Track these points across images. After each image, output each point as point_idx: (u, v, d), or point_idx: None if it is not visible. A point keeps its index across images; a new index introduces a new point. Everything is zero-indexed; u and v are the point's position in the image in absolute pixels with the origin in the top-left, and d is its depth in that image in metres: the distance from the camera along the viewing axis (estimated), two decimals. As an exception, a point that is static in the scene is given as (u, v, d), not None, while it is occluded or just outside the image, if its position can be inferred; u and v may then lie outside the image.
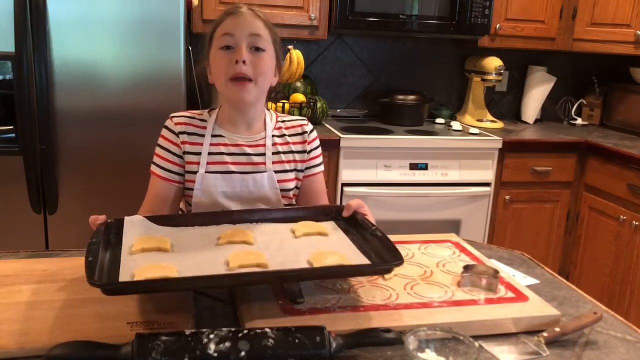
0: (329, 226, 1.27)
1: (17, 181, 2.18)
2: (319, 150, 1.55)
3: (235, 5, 1.40)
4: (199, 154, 1.43)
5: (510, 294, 1.12)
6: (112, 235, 1.16)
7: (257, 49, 1.36)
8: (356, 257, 1.10)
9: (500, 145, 2.73)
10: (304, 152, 1.51)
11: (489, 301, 1.09)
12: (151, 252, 1.10)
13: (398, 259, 1.01)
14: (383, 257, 1.07)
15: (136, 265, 1.03)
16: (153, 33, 2.19)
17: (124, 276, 0.99)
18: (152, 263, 1.04)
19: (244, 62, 1.33)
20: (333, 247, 1.15)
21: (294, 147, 1.50)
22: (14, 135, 2.17)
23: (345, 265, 1.06)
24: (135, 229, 1.18)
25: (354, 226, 1.26)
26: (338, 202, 2.60)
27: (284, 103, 2.73)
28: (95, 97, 2.20)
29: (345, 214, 1.30)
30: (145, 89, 2.23)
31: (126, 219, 1.21)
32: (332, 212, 1.33)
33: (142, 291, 1.01)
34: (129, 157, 2.26)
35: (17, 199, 2.19)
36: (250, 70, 1.35)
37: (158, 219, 1.24)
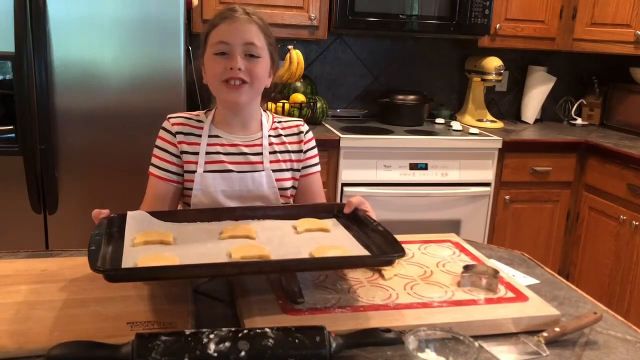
0: (330, 223, 1.27)
1: (17, 181, 2.18)
2: (315, 151, 1.56)
3: (231, 7, 1.40)
4: (196, 154, 1.43)
5: (510, 294, 1.11)
6: (115, 229, 1.16)
7: (252, 56, 1.37)
8: (358, 251, 1.11)
9: (500, 145, 2.73)
10: (300, 151, 1.51)
11: (489, 301, 1.09)
12: (154, 245, 1.11)
13: (399, 251, 1.02)
14: (385, 250, 1.08)
15: (139, 255, 1.03)
16: (153, 33, 2.19)
17: (126, 265, 0.99)
18: (154, 253, 1.04)
19: (239, 69, 1.35)
20: (335, 242, 1.16)
21: (290, 147, 1.50)
22: (14, 135, 2.16)
23: (347, 256, 1.07)
24: (138, 224, 1.19)
25: (356, 222, 1.26)
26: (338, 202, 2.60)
27: (284, 103, 2.73)
28: (95, 97, 2.20)
29: (346, 210, 1.30)
30: (145, 89, 2.23)
31: (129, 213, 1.22)
32: (333, 210, 1.33)
33: (144, 278, 1.01)
34: (129, 157, 2.26)
35: (17, 199, 2.19)
36: (245, 74, 1.36)
37: (161, 215, 1.25)
